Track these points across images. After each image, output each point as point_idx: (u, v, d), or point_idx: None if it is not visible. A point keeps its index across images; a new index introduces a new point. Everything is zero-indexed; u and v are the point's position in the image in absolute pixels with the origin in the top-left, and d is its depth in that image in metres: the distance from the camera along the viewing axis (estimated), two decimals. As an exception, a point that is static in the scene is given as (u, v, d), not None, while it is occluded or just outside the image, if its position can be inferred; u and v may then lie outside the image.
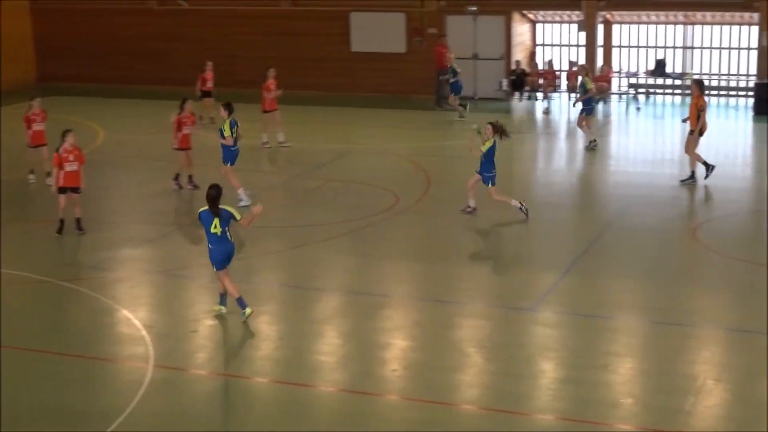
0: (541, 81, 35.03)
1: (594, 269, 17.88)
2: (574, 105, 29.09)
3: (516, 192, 22.16)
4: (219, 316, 15.67)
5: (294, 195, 23.60)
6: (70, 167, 19.61)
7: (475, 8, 34.57)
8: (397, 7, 36.08)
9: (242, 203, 21.12)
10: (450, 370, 13.76)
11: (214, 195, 15.08)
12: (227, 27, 38.06)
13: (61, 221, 19.86)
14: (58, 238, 19.77)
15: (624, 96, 35.52)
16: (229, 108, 21.81)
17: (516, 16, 35.89)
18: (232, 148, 21.76)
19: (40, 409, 12.87)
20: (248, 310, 15.31)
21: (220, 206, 15.08)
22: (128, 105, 35.47)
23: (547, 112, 33.43)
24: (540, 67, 35.76)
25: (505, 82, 35.56)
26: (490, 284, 17.56)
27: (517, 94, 35.43)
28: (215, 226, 15.05)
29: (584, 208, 22.47)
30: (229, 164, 21.82)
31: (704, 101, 23.27)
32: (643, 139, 30.49)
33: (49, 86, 39.70)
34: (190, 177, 23.19)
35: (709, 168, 22.96)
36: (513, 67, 35.41)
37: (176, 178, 23.22)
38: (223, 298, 15.69)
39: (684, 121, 23.90)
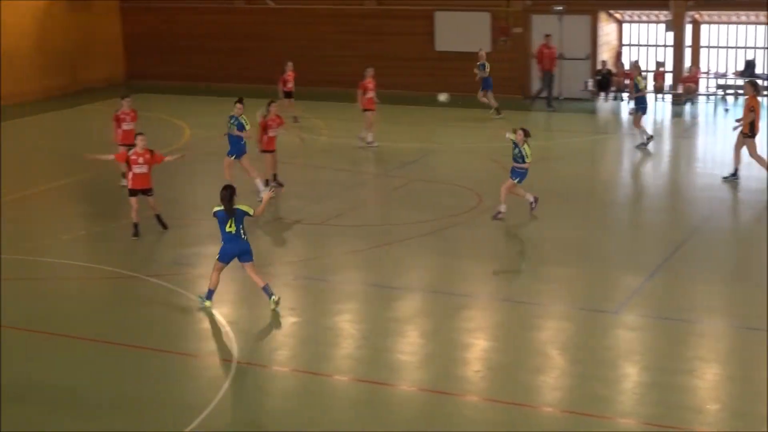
0: (627, 81, 34.62)
1: (680, 272, 17.62)
2: (628, 104, 28.90)
3: (599, 193, 21.97)
4: (298, 316, 15.76)
5: (378, 194, 23.64)
6: (138, 170, 19.47)
7: (561, 8, 34.28)
8: (482, 6, 35.94)
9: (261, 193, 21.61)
10: (532, 372, 13.67)
11: (228, 195, 15.62)
12: (313, 26, 38.22)
13: (135, 225, 19.71)
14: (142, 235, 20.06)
15: (712, 97, 34.96)
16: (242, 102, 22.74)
17: (602, 16, 35.53)
18: (242, 142, 22.33)
19: (126, 400, 13.07)
20: (275, 297, 15.86)
21: (235, 206, 15.62)
22: (214, 103, 35.74)
23: (632, 113, 33.04)
24: (626, 67, 35.37)
25: (590, 83, 35.25)
26: (573, 286, 17.39)
27: (602, 94, 35.10)
28: (230, 225, 15.65)
29: (671, 211, 22.13)
30: (233, 157, 22.30)
31: (757, 102, 22.99)
32: (732, 142, 29.91)
33: (137, 84, 40.29)
34: (274, 175, 23.12)
35: (734, 173, 22.99)
36: (599, 67, 35.09)
37: (267, 183, 22.71)
38: (211, 293, 16.06)
39: (738, 121, 23.57)
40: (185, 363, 14.38)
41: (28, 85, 37.27)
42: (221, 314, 15.87)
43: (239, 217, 15.67)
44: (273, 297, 15.87)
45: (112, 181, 24.25)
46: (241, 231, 15.71)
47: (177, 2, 40.45)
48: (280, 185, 22.94)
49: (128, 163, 19.53)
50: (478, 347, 14.66)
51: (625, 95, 34.63)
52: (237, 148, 22.36)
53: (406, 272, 18.13)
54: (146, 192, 19.69)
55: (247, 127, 22.38)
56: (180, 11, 40.28)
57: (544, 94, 33.87)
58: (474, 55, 33.04)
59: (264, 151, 22.94)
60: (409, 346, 14.82)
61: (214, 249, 19.13)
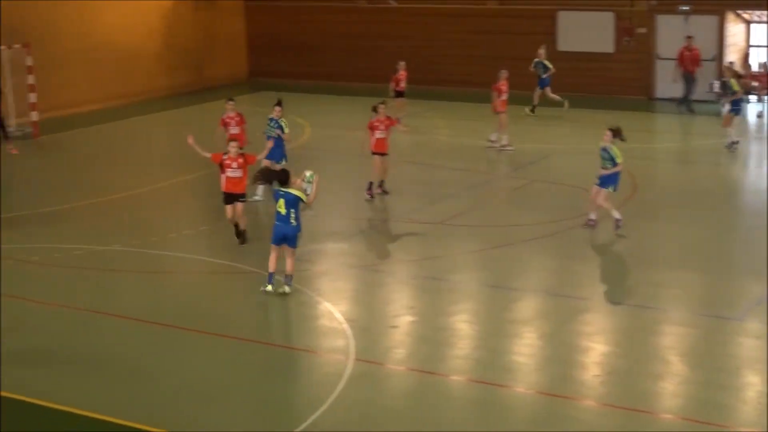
0: (755, 84, 33.85)
1: (808, 280, 17.16)
2: (722, 105, 28.23)
3: (723, 197, 21.51)
4: (416, 316, 15.80)
5: (497, 194, 23.56)
6: (232, 173, 18.94)
7: (687, 8, 33.71)
8: (606, 6, 35.55)
9: (255, 197, 21.76)
10: (652, 378, 13.48)
11: (280, 178, 16.46)
12: (434, 26, 38.29)
13: (235, 226, 19.43)
14: (264, 228, 20.30)
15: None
16: (281, 105, 22.60)
17: (730, 16, 34.81)
18: (282, 146, 22.11)
19: (245, 394, 13.26)
20: (287, 288, 16.53)
21: (289, 190, 16.29)
22: (335, 101, 36.13)
23: (761, 115, 32.31)
24: (754, 69, 34.57)
25: (716, 84, 34.50)
26: (695, 291, 17.08)
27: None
28: (280, 206, 16.36)
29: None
30: (274, 161, 21.72)
31: None
32: None
33: (260, 82, 40.92)
34: (381, 182, 22.69)
35: None
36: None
37: (369, 187, 22.54)
38: (271, 276, 16.55)
39: None
40: (304, 359, 14.54)
41: (155, 83, 38.14)
42: (340, 312, 16.00)
43: (290, 201, 16.31)
44: (286, 287, 16.53)
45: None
46: (292, 215, 16.36)
47: (300, 1, 40.91)
48: (385, 192, 22.64)
49: (222, 166, 19.06)
50: (596, 351, 14.51)
51: (752, 97, 33.87)
52: (278, 152, 21.97)
53: (524, 274, 18.05)
54: (239, 198, 19.07)
55: (287, 130, 22.27)
56: (303, 10, 40.72)
57: (689, 95, 33.17)
58: (598, 55, 32.69)
59: (373, 153, 22.59)
60: (527, 348, 14.75)
61: (333, 246, 19.41)
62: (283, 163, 21.58)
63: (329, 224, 20.93)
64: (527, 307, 16.52)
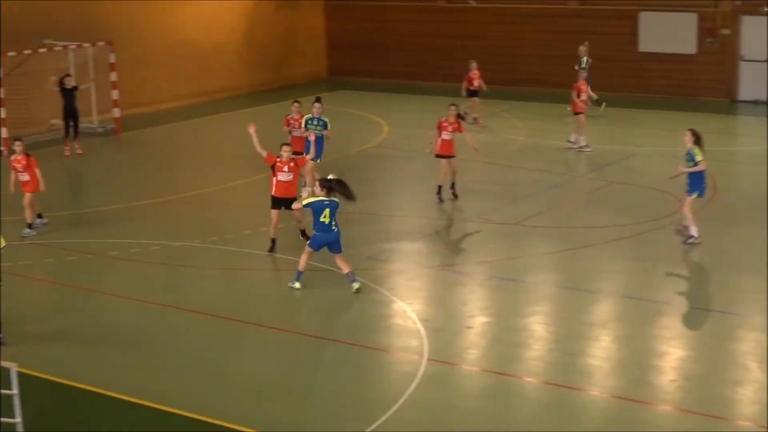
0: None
1: None
2: None
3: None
4: (490, 316, 15.75)
5: (575, 196, 23.37)
6: (283, 177, 18.51)
7: (773, 8, 33.17)
8: (689, 6, 35.11)
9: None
10: (730, 384, 13.28)
11: (335, 187, 16.56)
12: (513, 25, 38.15)
13: (272, 241, 18.82)
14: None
15: None
16: (320, 102, 22.37)
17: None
18: (322, 144, 21.91)
19: (319, 391, 13.34)
20: (356, 285, 16.69)
21: (333, 198, 16.55)
22: (412, 100, 36.13)
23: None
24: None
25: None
26: (776, 297, 16.79)
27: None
28: (325, 216, 16.47)
29: None
30: (317, 159, 21.60)
31: None
32: None
33: (338, 80, 41.09)
34: (452, 185, 22.44)
35: None
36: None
37: (438, 191, 22.31)
38: (299, 275, 16.84)
39: None
40: (378, 358, 14.57)
41: (236, 80, 38.52)
42: (414, 312, 16.01)
43: (334, 209, 16.52)
44: (355, 284, 16.68)
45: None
46: (333, 223, 16.57)
47: (379, 1, 41.01)
48: (455, 196, 22.31)
49: (274, 168, 18.59)
50: (673, 356, 14.33)
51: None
52: (318, 150, 21.55)
53: (601, 276, 17.90)
54: (288, 203, 18.46)
55: (329, 126, 22.12)
56: (382, 10, 40.83)
57: None
58: (680, 56, 32.28)
59: (438, 156, 22.19)
60: (602, 351, 14.61)
61: (409, 246, 19.42)
62: (318, 162, 21.36)
63: (405, 224, 20.94)
64: (603, 309, 16.38)
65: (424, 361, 14.08)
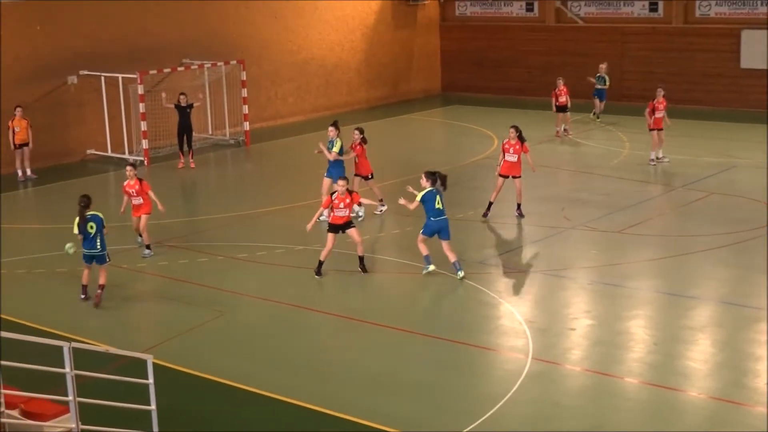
0: None
1: None
2: None
3: None
4: (593, 319, 15.61)
5: (675, 206, 22.99)
6: (340, 213, 17.94)
7: None
8: (790, 24, 34.32)
9: (323, 218, 19.63)
10: (826, 389, 12.96)
11: (442, 178, 17.53)
12: (619, 43, 37.74)
13: (320, 263, 18.07)
14: (452, 233, 20.48)
15: None
16: (337, 126, 21.77)
17: None
18: (341, 165, 21.12)
19: (428, 387, 13.41)
20: (461, 273, 17.40)
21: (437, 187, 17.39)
22: (522, 115, 35.90)
23: None
24: None
25: None
26: None
27: None
28: (438, 202, 17.36)
29: None
30: (333, 181, 20.41)
31: None
32: None
33: (451, 96, 41.17)
34: (518, 205, 21.68)
35: None
36: None
37: (488, 208, 21.72)
38: (428, 258, 17.55)
39: None
40: (486, 356, 14.59)
41: (356, 96, 38.92)
42: (520, 313, 15.99)
43: (442, 196, 17.47)
44: (460, 272, 17.39)
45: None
46: (444, 209, 17.43)
47: (491, 21, 41.00)
48: (521, 215, 21.60)
49: (331, 208, 18.08)
50: (770, 360, 14.04)
51: None
52: (336, 171, 20.89)
53: (700, 282, 17.61)
54: (344, 228, 18.10)
55: (334, 149, 21.24)
56: (494, 29, 40.82)
57: None
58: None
59: (501, 176, 21.54)
60: (700, 354, 14.39)
61: (517, 251, 19.36)
62: (339, 182, 19.23)
63: (513, 230, 20.89)
64: (702, 314, 16.11)
65: (529, 360, 14.06)
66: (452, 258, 17.45)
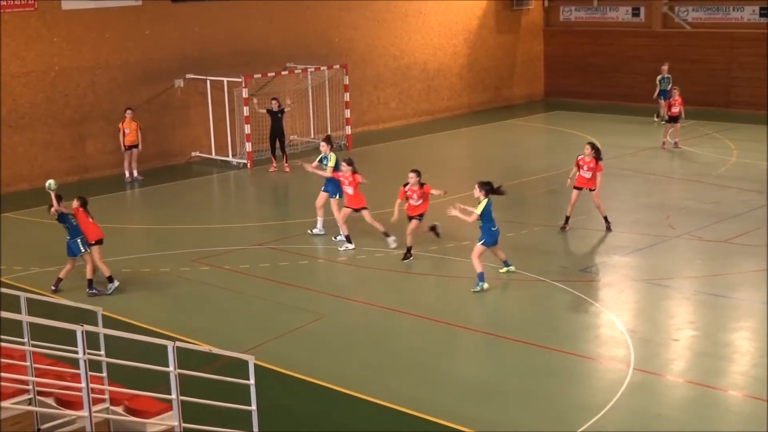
0: None
1: None
2: None
3: None
4: (697, 330, 15.34)
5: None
6: (414, 202, 19.25)
7: None
8: None
9: (315, 230, 21.14)
10: None
11: (497, 189, 17.57)
12: (727, 49, 36.99)
13: (408, 249, 19.31)
14: (555, 240, 20.30)
15: None
16: (329, 142, 21.32)
17: None
18: (334, 182, 20.67)
19: (531, 395, 13.34)
20: (511, 267, 18.22)
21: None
22: (626, 121, 35.47)
23: None
24: None
25: None
26: None
27: None
28: (491, 213, 17.46)
29: None
30: (331, 196, 20.74)
31: None
32: None
33: (554, 101, 40.84)
34: (605, 218, 21.03)
35: None
36: None
37: (565, 222, 21.16)
38: (482, 276, 17.34)
39: None
40: (587, 365, 14.44)
41: (458, 100, 38.88)
42: (622, 322, 15.79)
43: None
44: (511, 267, 18.25)
45: (529, 190, 24.79)
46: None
47: (597, 26, 40.57)
48: (609, 229, 20.87)
49: (406, 197, 19.34)
50: None
51: None
52: (332, 188, 20.82)
53: (810, 295, 17.15)
54: (419, 218, 19.34)
55: (328, 164, 20.80)
56: (599, 34, 40.38)
57: None
58: None
59: (575, 188, 20.96)
60: (808, 368, 14.02)
61: (620, 260, 19.13)
62: (337, 198, 20.33)
63: (617, 238, 20.62)
64: (811, 328, 15.69)
65: (631, 370, 13.88)
66: (502, 256, 18.18)
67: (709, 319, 16.07)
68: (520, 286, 17.93)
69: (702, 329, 15.57)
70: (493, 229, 17.53)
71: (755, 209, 22.56)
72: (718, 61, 36.85)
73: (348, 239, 20.24)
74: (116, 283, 18.01)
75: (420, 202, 19.28)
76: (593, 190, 20.91)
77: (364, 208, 20.29)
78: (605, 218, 21.03)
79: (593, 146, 21.12)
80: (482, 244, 17.48)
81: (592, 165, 20.85)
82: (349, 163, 20.25)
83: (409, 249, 19.34)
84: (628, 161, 28.35)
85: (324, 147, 21.20)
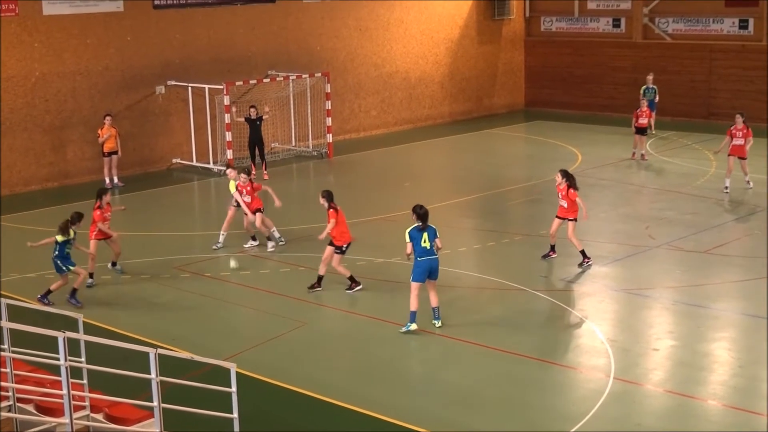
0: None
1: None
2: None
3: None
4: (676, 340, 15.43)
5: (765, 227, 22.52)
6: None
7: None
8: None
9: (217, 245, 21.09)
10: None
11: (425, 213, 15.85)
12: (708, 61, 37.20)
13: (319, 278, 18.48)
14: (535, 249, 20.37)
15: None
16: (232, 167, 22.26)
17: None
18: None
19: (511, 403, 13.40)
20: (438, 323, 16.02)
21: (428, 224, 15.83)
22: (606, 131, 35.62)
23: None
24: None
25: None
26: None
27: None
28: (425, 241, 15.75)
29: None
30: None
31: None
32: None
33: (534, 111, 41.00)
34: (582, 252, 19.60)
35: None
36: None
37: (583, 254, 20.10)
38: (414, 315, 15.92)
39: None
40: (567, 374, 14.50)
41: (439, 109, 38.98)
42: (602, 332, 15.86)
43: (431, 234, 15.85)
44: (437, 321, 16.10)
45: (510, 200, 24.86)
46: (434, 248, 15.88)
47: (578, 37, 40.76)
48: (588, 265, 19.69)
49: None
50: None
51: None
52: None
53: (787, 306, 17.28)
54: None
55: (231, 190, 21.06)
56: (579, 45, 40.57)
57: None
58: None
59: (557, 217, 19.70)
60: (787, 378, 14.13)
61: (600, 270, 19.19)
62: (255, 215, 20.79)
63: (597, 248, 20.70)
64: (789, 338, 15.80)
65: (611, 380, 13.95)
66: (436, 302, 16.15)
67: (689, 329, 16.17)
68: (501, 296, 17.98)
69: (681, 339, 15.66)
70: (419, 259, 15.82)
71: (733, 220, 22.69)
72: (698, 73, 37.09)
73: (268, 238, 21.04)
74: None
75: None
76: (572, 220, 19.33)
77: (259, 210, 20.78)
78: (582, 252, 19.31)
79: (564, 173, 19.48)
80: (412, 279, 16.01)
81: (565, 193, 19.32)
82: (247, 173, 21.17)
83: (319, 279, 18.31)
84: (608, 172, 28.48)
85: (230, 173, 21.39)
